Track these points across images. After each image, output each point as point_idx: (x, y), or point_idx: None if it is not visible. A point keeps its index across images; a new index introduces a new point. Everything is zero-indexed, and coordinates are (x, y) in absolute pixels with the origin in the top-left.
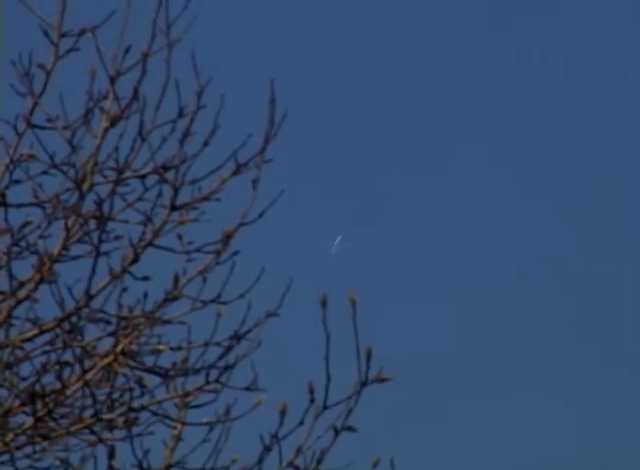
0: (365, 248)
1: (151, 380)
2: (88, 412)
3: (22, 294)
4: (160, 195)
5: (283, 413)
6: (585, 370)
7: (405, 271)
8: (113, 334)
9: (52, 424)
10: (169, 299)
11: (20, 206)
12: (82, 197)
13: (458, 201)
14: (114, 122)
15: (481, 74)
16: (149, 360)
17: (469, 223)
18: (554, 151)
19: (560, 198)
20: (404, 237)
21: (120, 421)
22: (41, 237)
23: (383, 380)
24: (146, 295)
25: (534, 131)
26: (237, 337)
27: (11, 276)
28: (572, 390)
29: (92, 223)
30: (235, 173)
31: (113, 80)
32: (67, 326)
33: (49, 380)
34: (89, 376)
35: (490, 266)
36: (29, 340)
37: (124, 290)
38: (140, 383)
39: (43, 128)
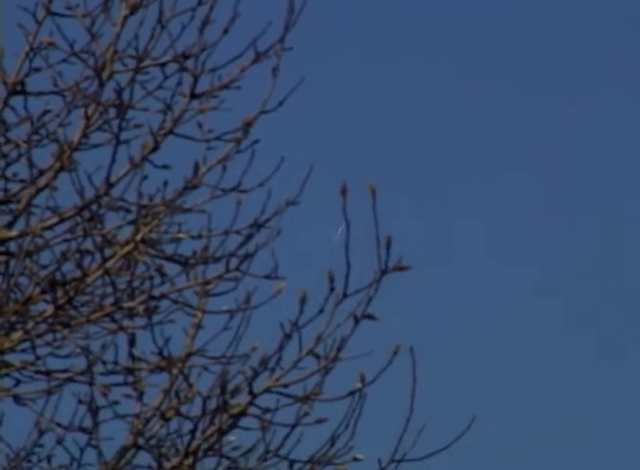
0: (384, 137)
1: (171, 268)
2: (108, 300)
3: (41, 182)
4: (179, 83)
5: (303, 301)
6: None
7: (424, 159)
8: (133, 222)
9: (72, 312)
10: (189, 187)
11: (39, 94)
12: (102, 85)
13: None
14: (133, 10)
15: None
16: (169, 249)
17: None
18: None
19: None
20: (427, 130)
21: (141, 309)
22: (61, 125)
23: (402, 268)
24: (166, 183)
25: None
26: (257, 225)
27: (31, 164)
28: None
29: (112, 112)
30: (255, 61)
31: None
32: (87, 214)
33: (69, 268)
34: (109, 264)
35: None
36: (49, 228)
37: (144, 178)
38: (160, 271)
39: (63, 16)
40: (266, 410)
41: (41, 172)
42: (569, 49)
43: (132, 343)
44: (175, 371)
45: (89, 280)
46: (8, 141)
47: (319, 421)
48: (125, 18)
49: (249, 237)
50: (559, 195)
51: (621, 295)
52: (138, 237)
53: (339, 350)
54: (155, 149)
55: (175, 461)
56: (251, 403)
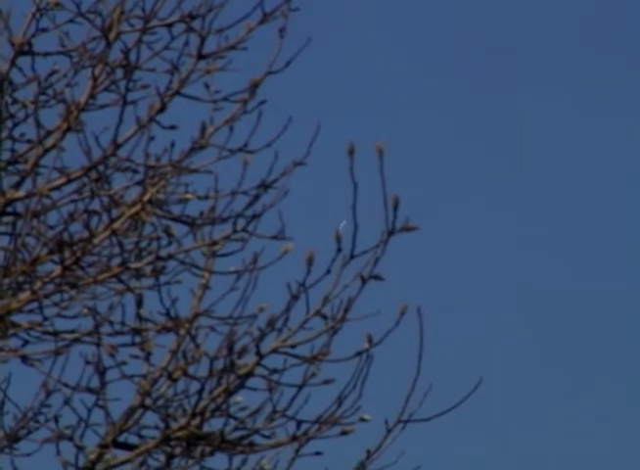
0: (391, 97)
1: (178, 229)
2: (116, 261)
3: (49, 143)
4: (186, 44)
5: (310, 262)
6: None
7: (433, 118)
8: (140, 183)
9: (80, 273)
10: (196, 148)
11: (46, 54)
12: (109, 45)
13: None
14: None
15: None
16: (176, 209)
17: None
18: None
19: None
20: (431, 85)
21: (148, 270)
22: (68, 86)
23: (409, 229)
24: (173, 144)
25: None
26: (264, 186)
27: (38, 125)
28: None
29: (119, 72)
30: (262, 22)
31: None
32: (94, 175)
33: (76, 229)
34: (117, 225)
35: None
36: (57, 189)
37: (151, 139)
38: (167, 232)
39: None
40: (273, 371)
41: (48, 133)
42: None
43: (139, 303)
44: (182, 332)
45: (96, 241)
46: (15, 101)
47: (326, 382)
48: None
49: (256, 198)
50: (565, 159)
51: None
52: (145, 198)
53: (346, 310)
54: (162, 109)
55: (182, 422)
56: (258, 364)
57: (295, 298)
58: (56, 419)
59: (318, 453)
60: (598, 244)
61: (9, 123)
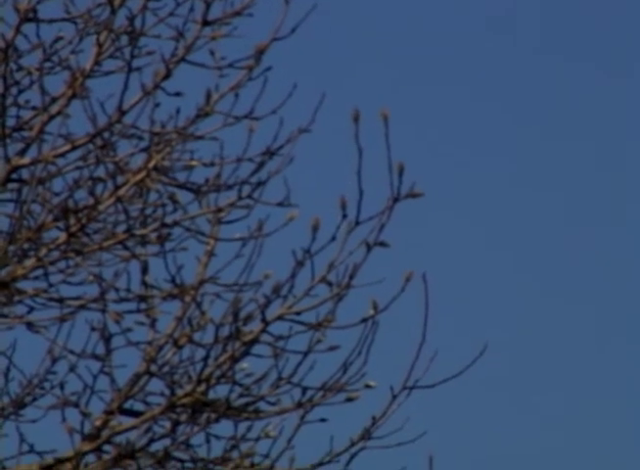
0: (396, 67)
1: (183, 196)
2: (121, 228)
3: (54, 109)
4: (191, 10)
5: (315, 229)
6: None
7: (438, 84)
8: (145, 150)
9: (85, 239)
10: (201, 114)
11: (51, 21)
12: (114, 12)
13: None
14: None
15: None
16: (181, 176)
17: None
18: None
19: None
20: (438, 52)
21: (153, 237)
22: (73, 52)
23: (415, 195)
24: (178, 110)
25: None
26: (269, 153)
27: (43, 92)
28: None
29: (124, 39)
30: None
31: None
32: (99, 142)
33: (82, 196)
34: (122, 192)
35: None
36: (62, 155)
37: (157, 106)
38: (173, 199)
39: None
40: (279, 338)
41: (53, 100)
42: None
43: (145, 270)
44: (188, 299)
45: (102, 208)
46: (20, 68)
47: (331, 348)
48: None
49: (261, 165)
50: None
51: None
52: (150, 165)
53: (351, 277)
54: (167, 76)
55: (188, 388)
56: (263, 331)
57: (300, 264)
58: (61, 386)
59: (323, 420)
60: (609, 213)
61: (14, 90)
